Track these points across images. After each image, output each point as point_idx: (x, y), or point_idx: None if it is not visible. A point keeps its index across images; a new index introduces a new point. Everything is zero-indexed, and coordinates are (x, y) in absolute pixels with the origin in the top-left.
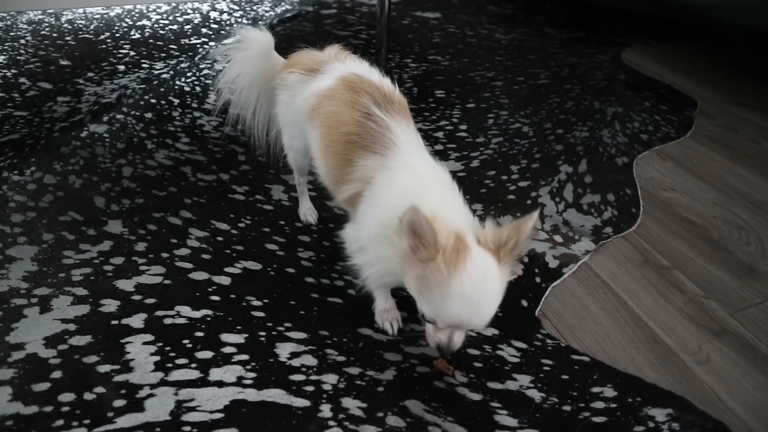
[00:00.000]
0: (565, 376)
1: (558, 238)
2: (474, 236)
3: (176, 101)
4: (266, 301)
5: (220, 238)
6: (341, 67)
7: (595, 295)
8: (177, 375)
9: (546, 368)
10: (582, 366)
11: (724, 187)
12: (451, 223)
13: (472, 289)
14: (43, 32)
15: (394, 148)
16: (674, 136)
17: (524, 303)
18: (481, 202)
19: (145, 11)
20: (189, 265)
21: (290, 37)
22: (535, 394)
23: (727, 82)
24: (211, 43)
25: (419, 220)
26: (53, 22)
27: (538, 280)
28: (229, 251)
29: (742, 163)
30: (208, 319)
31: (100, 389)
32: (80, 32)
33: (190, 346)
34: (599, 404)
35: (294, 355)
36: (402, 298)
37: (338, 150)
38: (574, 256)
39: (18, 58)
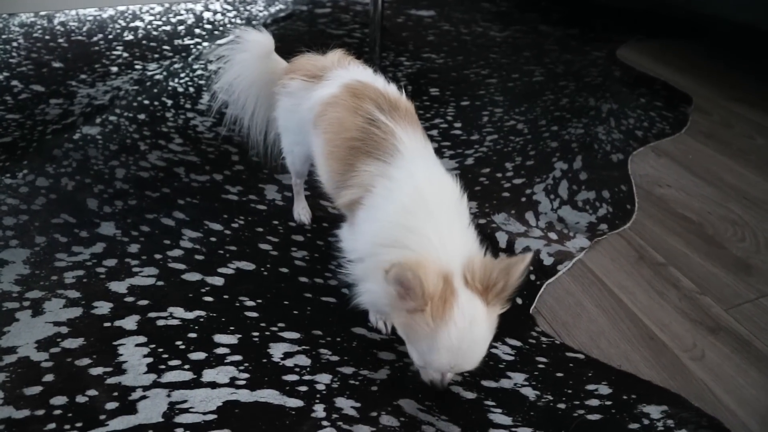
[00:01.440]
0: (559, 374)
1: (553, 236)
2: (462, 276)
3: (169, 102)
4: (259, 301)
5: (213, 239)
6: (345, 73)
7: (590, 292)
8: (170, 376)
9: (540, 366)
10: (577, 363)
11: (719, 183)
12: (440, 262)
13: (459, 340)
14: (35, 34)
15: (398, 156)
16: (669, 132)
17: (519, 301)
18: (475, 199)
19: (138, 12)
20: (182, 266)
21: (284, 36)
22: (530, 392)
23: (722, 78)
24: (205, 44)
25: (406, 276)
26: (45, 25)
27: (532, 277)
28: (222, 252)
29: (737, 159)
30: (201, 320)
31: (92, 392)
32: (73, 34)
33: (183, 347)
34: (594, 402)
35: (287, 355)
36: None
37: (341, 156)
38: (568, 253)
39: (10, 60)
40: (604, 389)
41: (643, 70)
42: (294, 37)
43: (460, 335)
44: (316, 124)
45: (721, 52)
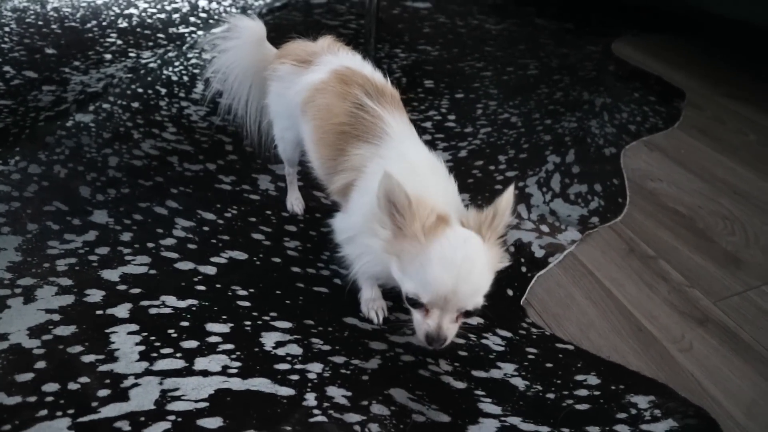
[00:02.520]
0: (549, 365)
1: (544, 228)
2: (458, 220)
3: (163, 91)
4: (252, 290)
5: (206, 228)
6: (333, 60)
7: (581, 284)
8: (162, 364)
9: (530, 356)
10: (566, 354)
11: (710, 177)
12: (435, 204)
13: (453, 251)
14: (28, 20)
15: (387, 138)
16: (662, 126)
17: (510, 292)
18: (468, 191)
19: None
20: (175, 255)
21: (279, 26)
22: (519, 382)
23: (716, 73)
24: (200, 32)
25: (392, 187)
26: (39, 10)
27: (524, 269)
28: (215, 241)
29: (728, 155)
30: (194, 308)
31: (84, 379)
32: (66, 20)
33: (175, 335)
34: (583, 392)
35: (279, 344)
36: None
37: (331, 141)
38: (560, 245)
39: (2, 46)
40: (593, 380)
41: (637, 64)
42: (289, 27)
43: (454, 247)
44: (305, 109)
45: (715, 48)
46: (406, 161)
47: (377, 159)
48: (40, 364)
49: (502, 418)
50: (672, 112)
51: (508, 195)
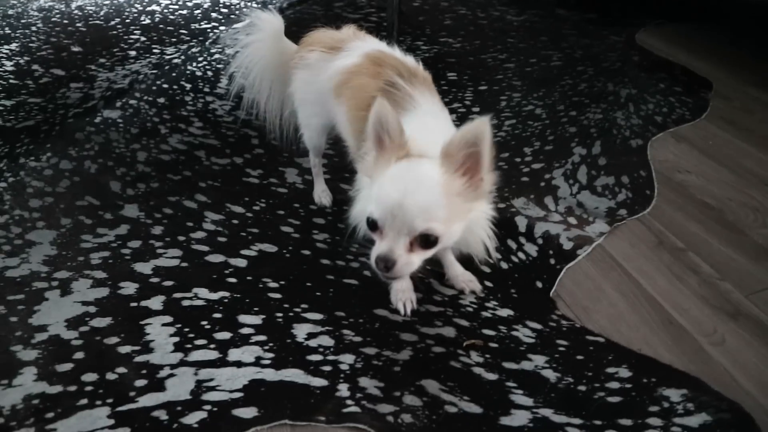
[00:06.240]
0: (580, 357)
1: (572, 220)
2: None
3: (188, 86)
4: (282, 282)
5: (235, 221)
6: (365, 44)
7: (610, 276)
8: (196, 355)
9: (561, 349)
10: (597, 347)
11: (739, 169)
12: (426, 144)
13: (406, 170)
14: (53, 19)
15: (413, 110)
16: (689, 117)
17: (539, 284)
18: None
19: None
20: (205, 248)
21: (300, 20)
22: (551, 374)
23: (743, 62)
24: (222, 28)
25: (385, 112)
26: (63, 9)
27: (552, 261)
28: (244, 234)
29: (757, 145)
30: (226, 300)
31: (121, 369)
32: (90, 18)
33: (208, 327)
34: (614, 384)
35: (311, 335)
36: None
37: (362, 116)
38: (588, 237)
39: (30, 45)
40: (624, 372)
41: (662, 54)
42: (310, 21)
43: (407, 168)
44: (339, 92)
45: (741, 36)
46: (426, 124)
47: None
48: (79, 355)
49: (534, 410)
50: (699, 102)
51: (470, 127)
